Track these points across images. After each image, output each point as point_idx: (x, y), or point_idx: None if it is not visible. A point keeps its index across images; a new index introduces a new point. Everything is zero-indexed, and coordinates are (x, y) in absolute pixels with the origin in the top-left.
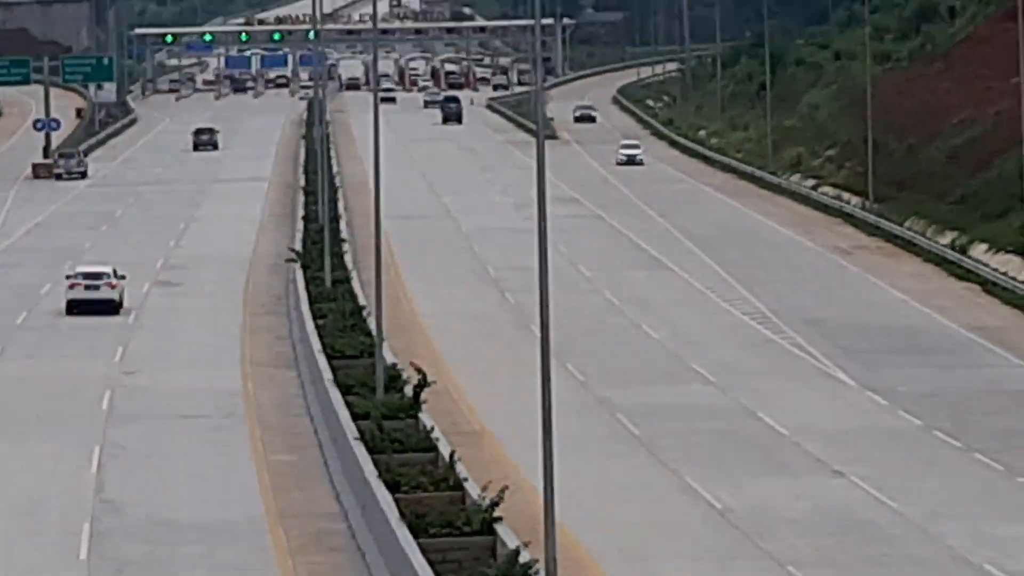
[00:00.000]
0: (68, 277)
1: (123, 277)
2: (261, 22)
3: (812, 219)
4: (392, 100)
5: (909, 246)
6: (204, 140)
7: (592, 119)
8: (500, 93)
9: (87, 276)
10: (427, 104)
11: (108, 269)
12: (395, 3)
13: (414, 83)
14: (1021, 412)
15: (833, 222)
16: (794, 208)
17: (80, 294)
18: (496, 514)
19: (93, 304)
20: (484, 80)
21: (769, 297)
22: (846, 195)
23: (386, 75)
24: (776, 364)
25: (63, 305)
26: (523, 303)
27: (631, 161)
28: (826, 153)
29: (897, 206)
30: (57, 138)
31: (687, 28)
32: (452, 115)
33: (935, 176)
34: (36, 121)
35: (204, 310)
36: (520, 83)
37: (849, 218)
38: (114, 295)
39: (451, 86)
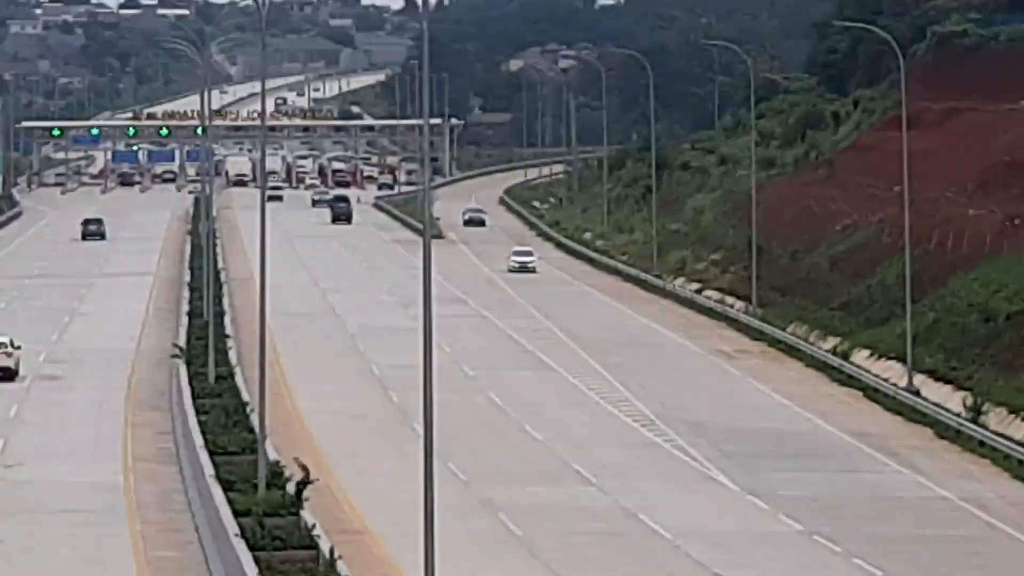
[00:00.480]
0: None
1: (19, 347)
2: (150, 116)
3: (696, 322)
4: (279, 198)
5: (792, 351)
6: (92, 230)
7: (482, 222)
8: (386, 192)
9: None
10: (316, 203)
11: (6, 339)
12: (280, 101)
13: (301, 180)
14: (900, 518)
15: (717, 326)
16: (678, 311)
17: None
18: None
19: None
20: (371, 178)
21: (652, 400)
22: (730, 299)
23: (274, 172)
24: (658, 466)
25: None
26: (407, 402)
27: (524, 268)
28: (711, 257)
29: (780, 311)
30: None
31: (574, 130)
32: (341, 215)
33: (818, 282)
34: None
35: (86, 404)
36: (407, 182)
37: (733, 322)
38: (11, 363)
39: (338, 184)
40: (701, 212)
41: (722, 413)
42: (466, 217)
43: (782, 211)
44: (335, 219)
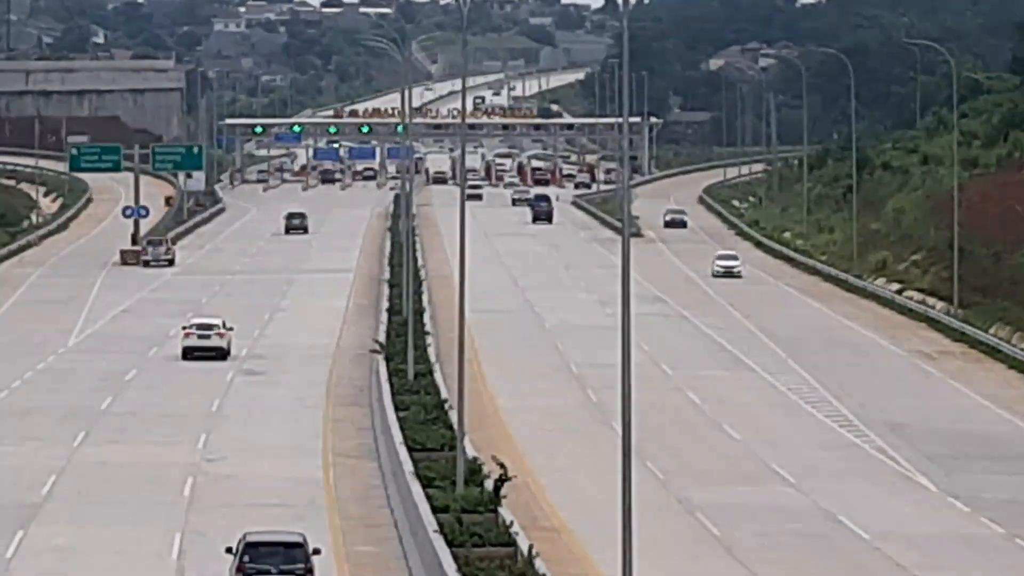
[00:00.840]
0: (184, 328)
1: (231, 329)
2: (351, 114)
3: (896, 323)
4: (479, 197)
5: (994, 352)
6: (295, 224)
7: (684, 224)
8: (583, 191)
9: (200, 327)
10: (516, 202)
11: (218, 321)
12: (479, 100)
13: (500, 178)
14: None
15: (917, 326)
16: (878, 312)
17: (194, 342)
18: None
19: (205, 350)
20: (570, 176)
21: (852, 400)
22: (931, 300)
23: (473, 170)
24: (858, 467)
25: (179, 352)
26: (605, 400)
27: (729, 273)
28: (911, 257)
29: (982, 312)
30: (146, 225)
31: (774, 129)
32: (542, 214)
33: (1021, 283)
34: (125, 208)
35: (287, 399)
36: (606, 181)
37: (934, 323)
38: (223, 343)
39: (537, 182)
40: (902, 212)
41: (922, 414)
42: (667, 218)
43: (984, 211)
44: (536, 218)
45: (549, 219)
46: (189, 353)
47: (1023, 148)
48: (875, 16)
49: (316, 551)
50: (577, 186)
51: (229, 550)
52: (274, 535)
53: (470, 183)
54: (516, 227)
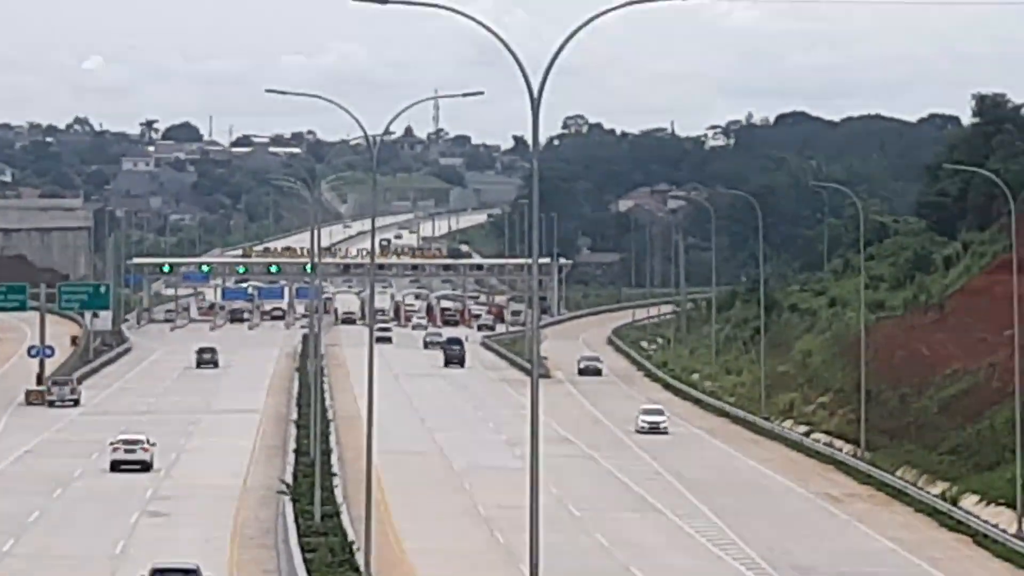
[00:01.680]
0: (111, 443)
1: (154, 444)
2: (268, 250)
3: (804, 465)
4: (388, 340)
5: (900, 495)
6: (206, 358)
7: (598, 371)
8: (487, 333)
9: (126, 442)
10: (428, 345)
11: (143, 437)
12: (384, 243)
13: (409, 318)
14: None
15: (825, 469)
16: (786, 454)
17: (121, 456)
18: None
19: (131, 463)
20: (479, 317)
21: (760, 543)
22: (838, 442)
23: (382, 310)
24: None
25: (107, 465)
26: (512, 542)
27: (655, 429)
28: (819, 400)
29: (889, 455)
30: (51, 365)
31: (683, 271)
32: (454, 358)
33: (927, 426)
34: (31, 348)
35: (192, 541)
36: (513, 322)
37: (841, 465)
38: (147, 457)
39: (446, 322)
40: (810, 354)
41: (830, 557)
42: (581, 365)
43: (891, 354)
44: (447, 362)
45: (461, 363)
46: (116, 466)
47: (929, 291)
48: (783, 159)
49: None
50: (480, 328)
51: None
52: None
53: (380, 326)
54: (426, 368)
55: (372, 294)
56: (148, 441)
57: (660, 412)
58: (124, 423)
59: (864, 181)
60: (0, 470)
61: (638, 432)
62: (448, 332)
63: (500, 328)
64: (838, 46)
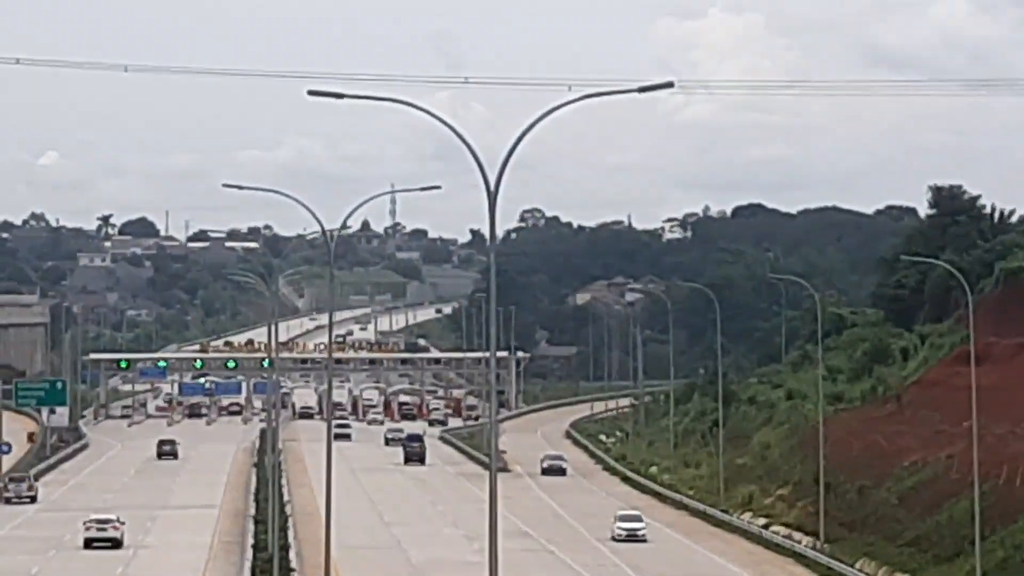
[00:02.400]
0: (85, 523)
1: (124, 523)
2: (228, 345)
3: (764, 558)
4: (347, 436)
5: None
6: (167, 450)
7: (562, 471)
8: (439, 428)
9: (98, 521)
10: (388, 442)
11: (113, 516)
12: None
13: (367, 413)
14: None
15: (785, 561)
16: (746, 547)
17: (94, 534)
18: None
19: (103, 540)
20: (436, 410)
21: None
22: (797, 535)
23: (340, 404)
24: None
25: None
26: None
27: (632, 537)
28: (778, 492)
29: (849, 546)
30: (8, 461)
31: (640, 363)
32: (414, 455)
33: (886, 517)
34: None
35: None
36: (466, 417)
37: (800, 558)
38: (117, 535)
39: (404, 416)
40: (768, 446)
41: None
42: (545, 465)
43: (850, 446)
44: (408, 459)
45: (422, 460)
46: (89, 543)
47: (886, 383)
48: (740, 251)
49: None
50: (432, 423)
51: None
52: None
53: (338, 422)
54: (384, 464)
55: (330, 388)
56: (118, 520)
57: (638, 519)
58: (81, 519)
59: (821, 273)
60: None
61: (614, 540)
62: (408, 428)
63: (456, 422)
64: (794, 138)
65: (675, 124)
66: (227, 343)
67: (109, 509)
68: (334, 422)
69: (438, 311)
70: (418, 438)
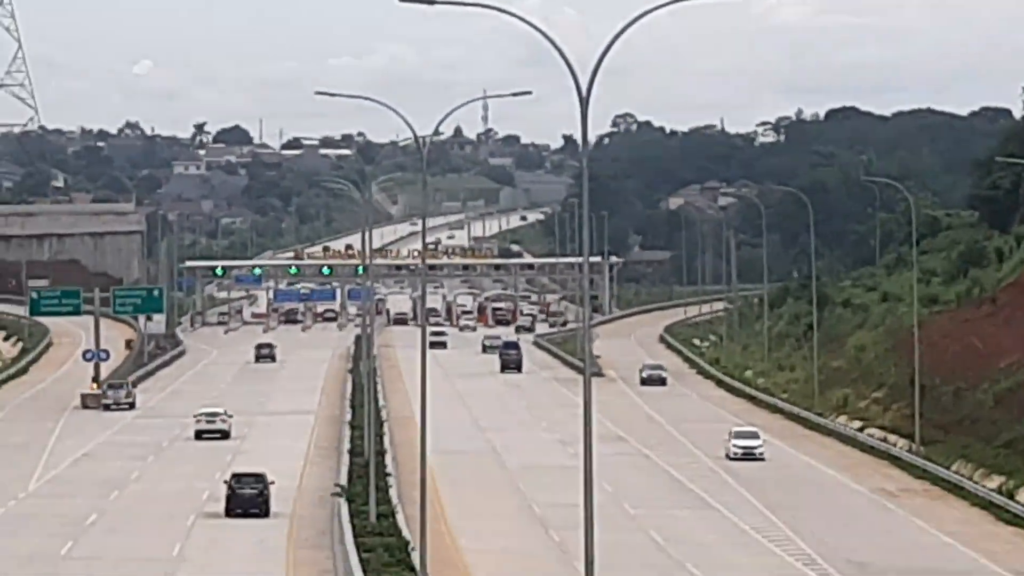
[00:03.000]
0: (195, 416)
1: (231, 416)
2: (312, 255)
3: (858, 461)
4: (443, 344)
5: (956, 489)
6: (265, 353)
7: (662, 380)
8: (523, 335)
9: (208, 415)
10: (486, 348)
11: (222, 410)
12: (432, 245)
13: (459, 319)
14: None
15: (880, 464)
16: (840, 449)
17: (204, 426)
18: None
19: (212, 432)
20: (531, 316)
21: (814, 539)
22: (892, 437)
23: (434, 310)
24: None
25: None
26: (567, 541)
27: (749, 455)
28: (873, 395)
29: (944, 449)
30: (106, 369)
31: (734, 268)
32: (512, 363)
33: (982, 420)
34: (85, 351)
35: (248, 543)
36: (551, 324)
37: (896, 460)
38: (226, 427)
39: (498, 322)
40: (863, 349)
41: (885, 552)
42: (644, 374)
43: (945, 348)
44: (504, 367)
45: (518, 368)
46: (200, 435)
47: (982, 285)
48: (833, 155)
49: None
50: (518, 329)
51: None
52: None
53: (433, 330)
54: (479, 370)
55: (424, 295)
56: (226, 413)
57: (755, 435)
58: (179, 425)
59: (915, 175)
60: (57, 474)
61: (730, 459)
62: (505, 335)
63: (544, 328)
64: (888, 40)
65: (769, 27)
66: (325, 248)
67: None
68: (429, 330)
69: (523, 219)
70: (515, 345)
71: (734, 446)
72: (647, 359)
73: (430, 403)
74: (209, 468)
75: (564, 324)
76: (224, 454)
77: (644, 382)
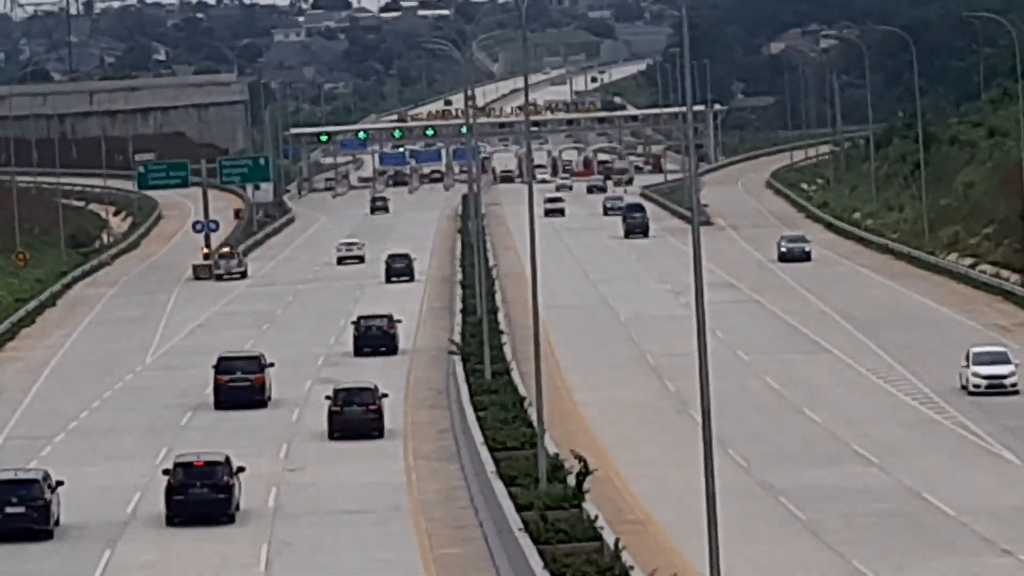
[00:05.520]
0: (337, 246)
1: (364, 244)
2: (415, 117)
3: (971, 297)
4: (560, 212)
5: None
6: (379, 205)
7: (806, 255)
8: (623, 188)
9: (347, 244)
10: (608, 211)
11: (358, 240)
12: (531, 106)
13: (566, 171)
14: None
15: (993, 300)
16: (953, 287)
17: (344, 253)
18: None
19: (352, 258)
20: (638, 169)
21: (930, 377)
22: (1004, 272)
23: (541, 166)
24: (940, 444)
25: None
26: (683, 390)
27: (997, 387)
28: (983, 231)
29: None
30: (216, 239)
31: (838, 110)
32: (637, 228)
33: None
34: (195, 223)
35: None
36: (618, 182)
37: (1009, 295)
38: (362, 253)
39: (605, 176)
40: (971, 186)
41: None
42: (783, 248)
43: None
44: (629, 232)
45: (645, 233)
46: (341, 261)
47: None
48: None
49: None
50: (617, 184)
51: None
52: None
53: (550, 196)
54: (585, 220)
55: (528, 151)
56: (359, 244)
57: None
58: (291, 292)
59: (1019, 8)
60: (173, 345)
61: (971, 392)
62: (630, 199)
63: (654, 179)
64: None
65: None
66: (414, 116)
67: (318, 280)
68: (545, 195)
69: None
70: (639, 208)
71: (974, 375)
72: (785, 231)
73: (540, 259)
74: (324, 335)
75: (630, 182)
76: (337, 319)
77: (783, 257)
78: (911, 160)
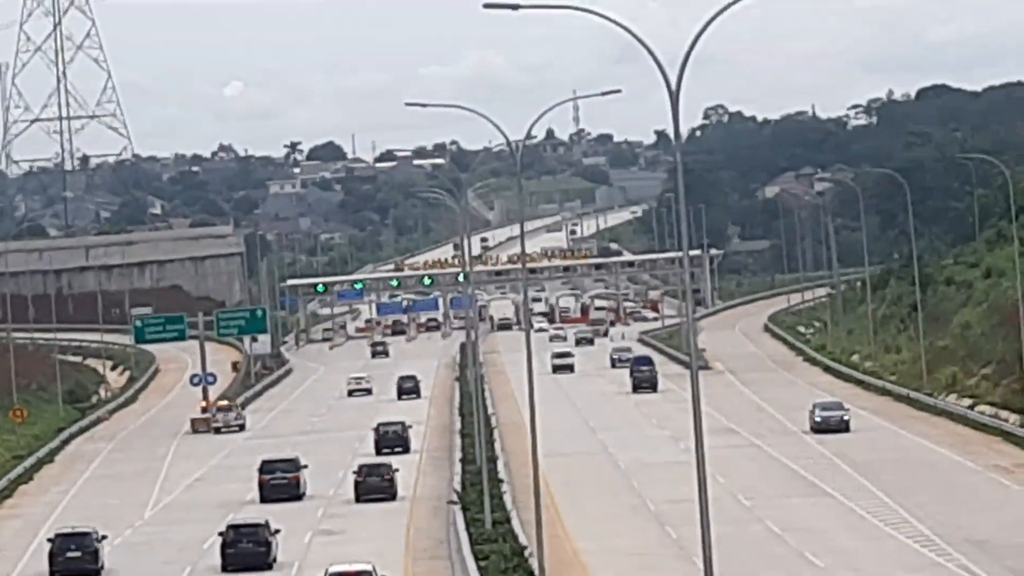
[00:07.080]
0: (347, 379)
1: (371, 380)
2: (412, 267)
3: (971, 438)
4: (570, 368)
5: None
6: (379, 350)
7: (845, 426)
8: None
9: (356, 379)
10: (615, 363)
11: (365, 375)
12: (528, 256)
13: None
14: None
15: (992, 440)
16: (952, 428)
17: (354, 386)
18: None
19: (361, 391)
20: (634, 314)
21: (931, 519)
22: (1004, 413)
23: (543, 314)
24: None
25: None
26: (684, 536)
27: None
28: (981, 371)
29: None
30: (214, 392)
31: (834, 253)
32: (645, 382)
33: None
34: (193, 376)
35: (366, 557)
36: (596, 333)
37: (1009, 436)
38: (370, 386)
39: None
40: (968, 326)
41: (1004, 529)
42: (817, 418)
43: None
44: (637, 387)
45: (654, 387)
46: (351, 393)
47: None
48: (926, 133)
49: None
50: (578, 343)
51: None
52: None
53: (559, 351)
54: (581, 365)
55: (525, 298)
56: (367, 378)
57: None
58: (289, 444)
59: (1011, 149)
60: (171, 500)
61: (815, 431)
62: (636, 348)
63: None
64: (977, 14)
65: (856, 7)
66: (410, 265)
67: (317, 431)
68: (553, 351)
69: (632, 212)
70: (647, 360)
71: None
72: (818, 397)
73: (539, 407)
74: (324, 486)
75: (605, 333)
76: (337, 470)
77: (818, 428)
78: (908, 301)
